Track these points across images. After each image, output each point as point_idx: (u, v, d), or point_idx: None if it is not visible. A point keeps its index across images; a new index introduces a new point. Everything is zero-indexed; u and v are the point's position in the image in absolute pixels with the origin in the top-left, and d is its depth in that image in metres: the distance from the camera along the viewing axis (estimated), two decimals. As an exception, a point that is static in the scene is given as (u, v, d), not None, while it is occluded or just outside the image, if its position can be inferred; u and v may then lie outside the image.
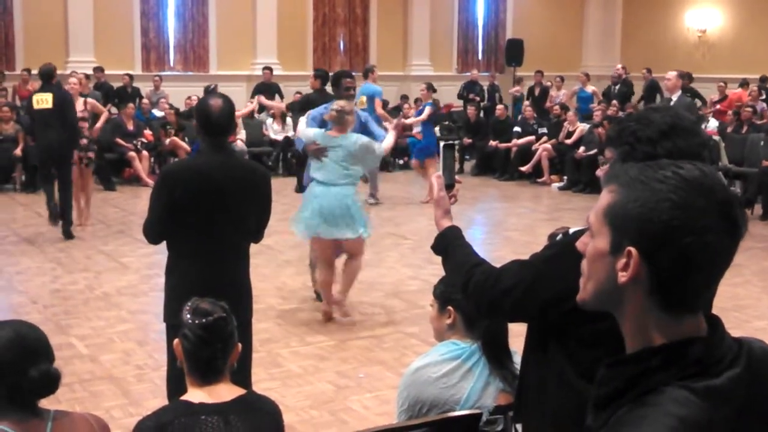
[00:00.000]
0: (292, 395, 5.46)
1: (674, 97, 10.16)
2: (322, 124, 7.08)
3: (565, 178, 14.73)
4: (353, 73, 8.11)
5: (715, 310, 5.93)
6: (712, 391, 1.35)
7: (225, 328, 2.79)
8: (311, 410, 5.26)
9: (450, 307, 3.15)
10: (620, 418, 1.37)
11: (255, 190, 4.15)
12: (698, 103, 17.01)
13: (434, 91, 14.61)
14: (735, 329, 6.01)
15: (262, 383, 5.36)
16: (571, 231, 2.31)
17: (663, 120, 2.13)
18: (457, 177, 2.81)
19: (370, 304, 7.59)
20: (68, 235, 10.03)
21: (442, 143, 2.85)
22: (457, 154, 16.20)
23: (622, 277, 1.39)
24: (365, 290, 8.01)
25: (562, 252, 2.20)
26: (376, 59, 19.40)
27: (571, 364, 2.18)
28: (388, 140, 7.25)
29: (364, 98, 12.82)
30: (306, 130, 7.02)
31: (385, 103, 14.67)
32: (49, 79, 10.08)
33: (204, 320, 2.75)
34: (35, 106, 9.98)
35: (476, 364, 3.06)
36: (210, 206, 4.00)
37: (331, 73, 8.09)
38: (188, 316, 2.77)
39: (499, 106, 17.16)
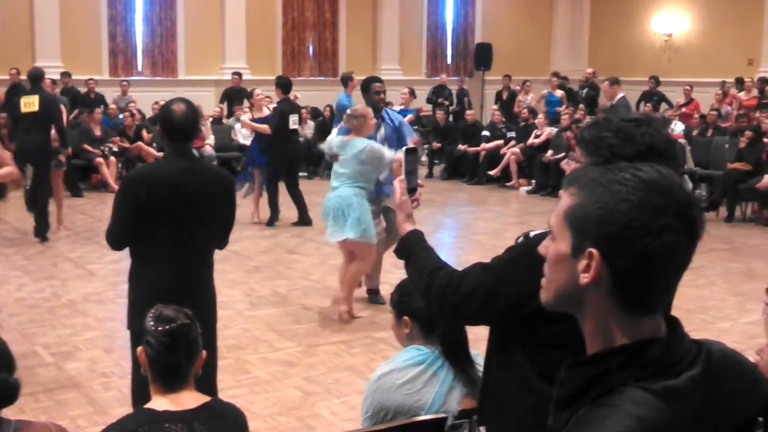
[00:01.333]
0: (259, 402, 5.43)
1: (616, 102, 10.21)
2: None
3: (534, 181, 14.81)
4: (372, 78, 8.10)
5: (679, 312, 5.94)
6: (670, 391, 1.36)
7: (189, 335, 2.77)
8: (279, 417, 5.23)
9: (406, 317, 3.15)
10: (580, 419, 1.38)
11: (220, 195, 4.13)
12: (664, 106, 17.20)
13: (415, 96, 14.67)
14: (700, 330, 6.09)
15: (229, 390, 5.34)
16: (531, 234, 2.32)
17: (643, 140, 2.11)
18: (419, 181, 2.81)
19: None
20: (43, 238, 10.04)
21: (404, 148, 2.86)
22: (425, 158, 16.26)
23: (584, 278, 1.41)
24: (333, 295, 7.99)
25: (522, 255, 2.21)
26: (345, 63, 19.41)
27: (533, 365, 2.20)
28: (401, 152, 7.24)
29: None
30: (329, 139, 7.23)
31: None
32: (36, 81, 10.22)
33: (167, 327, 2.72)
34: (23, 109, 10.02)
35: (440, 369, 3.06)
36: (174, 212, 3.97)
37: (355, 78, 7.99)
38: (151, 323, 2.75)
39: (469, 111, 17.23)
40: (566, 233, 1.44)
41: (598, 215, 1.38)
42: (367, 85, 7.80)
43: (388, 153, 6.88)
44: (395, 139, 7.48)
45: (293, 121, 11.29)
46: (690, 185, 13.96)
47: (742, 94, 16.88)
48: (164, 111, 4.07)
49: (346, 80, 12.70)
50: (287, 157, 11.29)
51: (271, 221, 11.28)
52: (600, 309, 1.43)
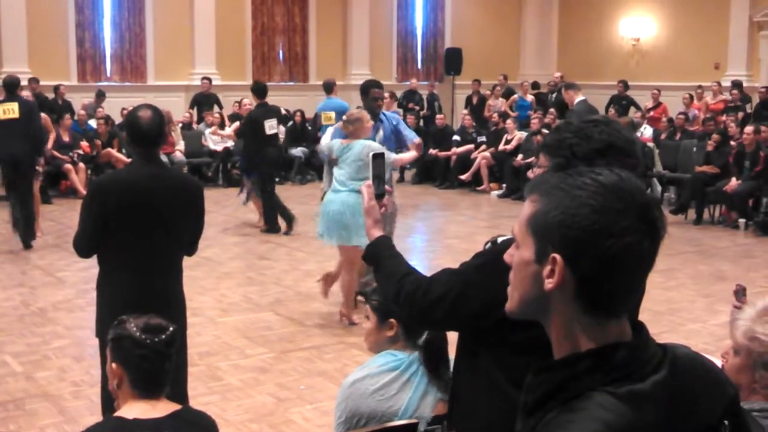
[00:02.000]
0: (231, 409, 5.41)
1: (575, 107, 10.26)
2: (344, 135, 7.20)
3: (504, 185, 14.87)
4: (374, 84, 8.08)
5: (649, 314, 6.07)
6: (636, 395, 1.37)
7: (177, 340, 2.79)
8: (251, 424, 5.21)
9: (392, 320, 3.15)
10: (547, 424, 1.39)
11: (189, 202, 4.11)
12: (633, 110, 17.34)
13: (397, 99, 14.69)
14: (669, 332, 6.13)
15: (200, 397, 5.31)
16: (499, 240, 2.34)
17: (600, 138, 2.14)
18: (387, 187, 2.81)
19: (310, 314, 7.56)
20: (27, 245, 10.02)
21: (371, 153, 2.85)
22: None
23: (548, 284, 1.42)
24: (305, 300, 7.99)
25: (490, 261, 2.22)
26: (315, 68, 19.42)
27: (501, 371, 2.21)
28: (404, 155, 7.32)
29: (332, 114, 12.64)
30: (328, 142, 7.19)
31: None
32: (13, 89, 10.15)
33: (164, 336, 2.72)
34: (1, 116, 9.88)
35: (414, 374, 3.07)
36: (143, 219, 3.95)
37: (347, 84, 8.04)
38: (143, 336, 2.70)
39: (439, 115, 17.28)
40: (529, 240, 1.45)
41: (560, 220, 1.40)
42: (366, 90, 7.83)
43: (391, 154, 6.90)
44: (393, 140, 7.57)
45: (269, 126, 11.16)
46: (659, 188, 14.12)
47: (708, 98, 17.07)
48: (130, 117, 4.06)
49: (332, 86, 12.67)
50: (270, 163, 11.22)
51: (288, 228, 11.05)
52: (565, 314, 1.44)
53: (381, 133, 7.62)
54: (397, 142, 7.75)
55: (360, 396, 3.04)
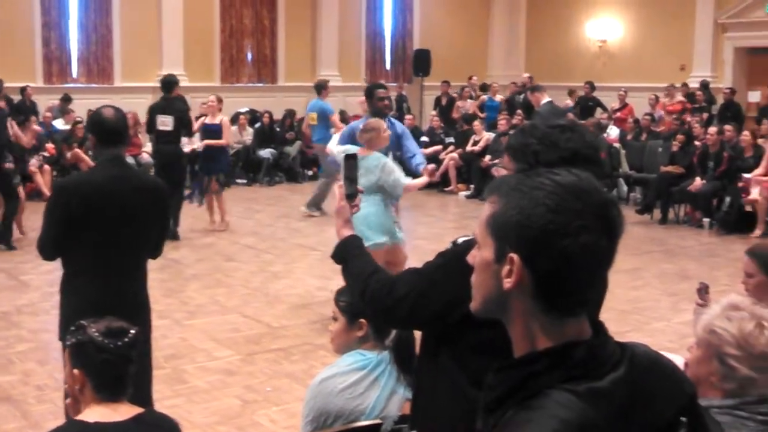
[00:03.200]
0: (198, 412, 5.38)
1: (541, 108, 10.32)
2: (350, 142, 7.00)
3: (472, 186, 14.92)
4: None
5: (615, 313, 6.12)
6: (594, 393, 1.39)
7: (140, 342, 2.77)
8: (218, 426, 5.19)
9: (362, 320, 3.16)
10: (507, 422, 1.40)
11: (154, 203, 4.09)
12: (600, 110, 17.47)
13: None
14: (635, 331, 6.19)
15: (166, 400, 5.28)
16: (459, 240, 2.35)
17: (566, 146, 2.15)
18: (358, 187, 2.82)
19: (277, 316, 7.54)
20: (8, 244, 10.08)
21: (343, 154, 2.86)
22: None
23: (507, 283, 1.43)
24: (272, 302, 7.97)
25: (451, 261, 2.24)
26: (284, 70, 19.37)
27: (463, 370, 2.22)
28: (416, 181, 6.98)
29: (315, 115, 12.61)
30: (337, 148, 6.92)
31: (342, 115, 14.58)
32: None
33: (126, 339, 2.70)
34: None
35: (382, 373, 3.08)
36: (108, 221, 3.91)
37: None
38: (105, 340, 2.68)
39: (408, 116, 17.29)
40: (489, 240, 1.47)
41: (517, 220, 1.41)
42: (370, 92, 7.70)
43: (402, 177, 6.61)
44: (395, 149, 7.31)
45: (161, 121, 10.77)
46: (625, 188, 14.25)
47: (666, 100, 17.26)
48: (95, 117, 4.04)
49: (321, 87, 12.59)
50: (161, 160, 10.96)
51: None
52: (524, 313, 1.45)
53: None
54: (400, 152, 7.41)
55: (328, 394, 3.05)
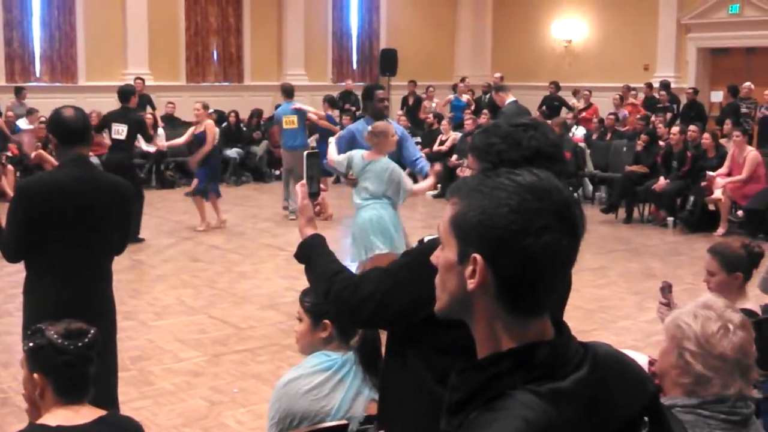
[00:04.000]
0: (164, 414, 5.35)
1: (505, 108, 10.34)
2: (349, 145, 6.96)
3: (440, 186, 14.93)
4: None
5: (581, 311, 6.15)
6: (557, 393, 1.40)
7: (99, 342, 2.75)
8: (184, 428, 5.16)
9: (326, 321, 3.16)
10: (470, 423, 1.40)
11: (119, 203, 4.05)
12: (565, 110, 17.60)
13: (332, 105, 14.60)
14: (601, 329, 6.22)
15: (132, 402, 5.25)
16: (425, 239, 2.36)
17: (529, 144, 2.17)
18: (321, 186, 2.82)
19: (244, 317, 7.51)
20: None
21: (306, 152, 2.85)
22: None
23: (470, 284, 1.44)
24: (239, 303, 7.94)
25: (415, 260, 2.25)
26: (250, 69, 19.30)
27: (429, 370, 2.23)
28: (422, 185, 6.98)
29: (294, 118, 12.25)
30: (338, 156, 6.74)
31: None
32: None
33: (86, 339, 2.68)
34: None
35: (347, 374, 3.08)
36: (72, 221, 3.87)
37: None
38: (65, 342, 2.65)
39: (401, 116, 17.27)
40: (452, 241, 1.48)
41: (479, 221, 1.42)
42: (369, 93, 7.54)
43: (408, 183, 6.63)
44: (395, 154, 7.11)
45: (114, 130, 10.72)
46: (590, 187, 14.36)
47: (633, 100, 17.46)
48: (55, 117, 3.99)
49: (292, 91, 12.39)
50: (114, 170, 10.92)
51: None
52: (488, 313, 1.46)
53: None
54: (399, 155, 7.23)
55: (293, 396, 3.04)
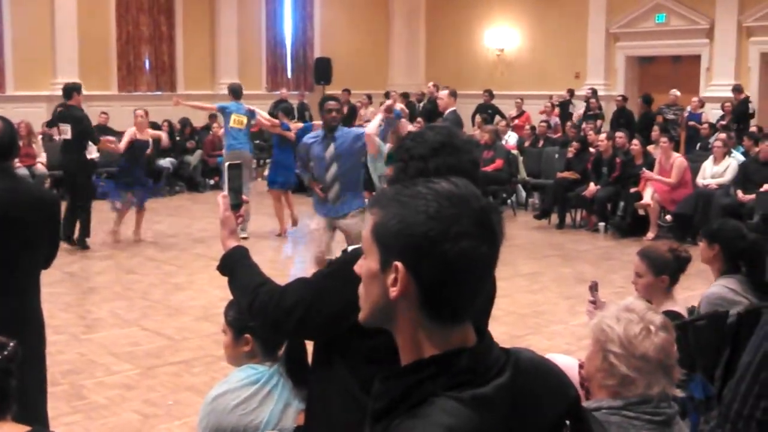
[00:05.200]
0: (96, 428, 5.27)
1: (446, 115, 10.45)
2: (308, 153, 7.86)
3: (375, 194, 14.98)
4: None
5: (514, 316, 6.22)
6: (479, 399, 1.42)
7: (19, 355, 2.69)
8: (117, 442, 5.10)
9: (247, 335, 3.14)
10: (393, 430, 1.42)
11: (47, 215, 3.98)
12: (498, 118, 17.80)
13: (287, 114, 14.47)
14: (534, 334, 6.31)
15: (64, 417, 5.17)
16: (349, 249, 2.38)
17: (435, 138, 2.26)
18: (244, 197, 2.81)
19: (179, 328, 7.43)
20: None
21: (227, 163, 2.84)
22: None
23: (392, 292, 1.46)
24: (174, 314, 7.86)
25: (339, 269, 2.26)
26: (183, 77, 19.14)
27: (355, 378, 2.24)
28: (370, 124, 7.88)
29: (245, 118, 11.90)
30: (378, 140, 7.71)
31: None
32: None
33: (5, 352, 2.62)
34: None
35: (275, 386, 3.06)
36: (1, 234, 3.79)
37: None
38: None
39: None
40: (374, 250, 1.50)
41: (399, 229, 1.44)
42: (321, 103, 8.13)
43: (370, 140, 7.57)
44: (351, 154, 7.87)
45: (61, 130, 10.71)
46: (523, 194, 14.54)
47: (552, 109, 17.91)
48: None
49: (240, 91, 12.18)
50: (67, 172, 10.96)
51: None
52: (410, 321, 1.48)
53: (332, 149, 7.73)
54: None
55: (221, 412, 3.01)
